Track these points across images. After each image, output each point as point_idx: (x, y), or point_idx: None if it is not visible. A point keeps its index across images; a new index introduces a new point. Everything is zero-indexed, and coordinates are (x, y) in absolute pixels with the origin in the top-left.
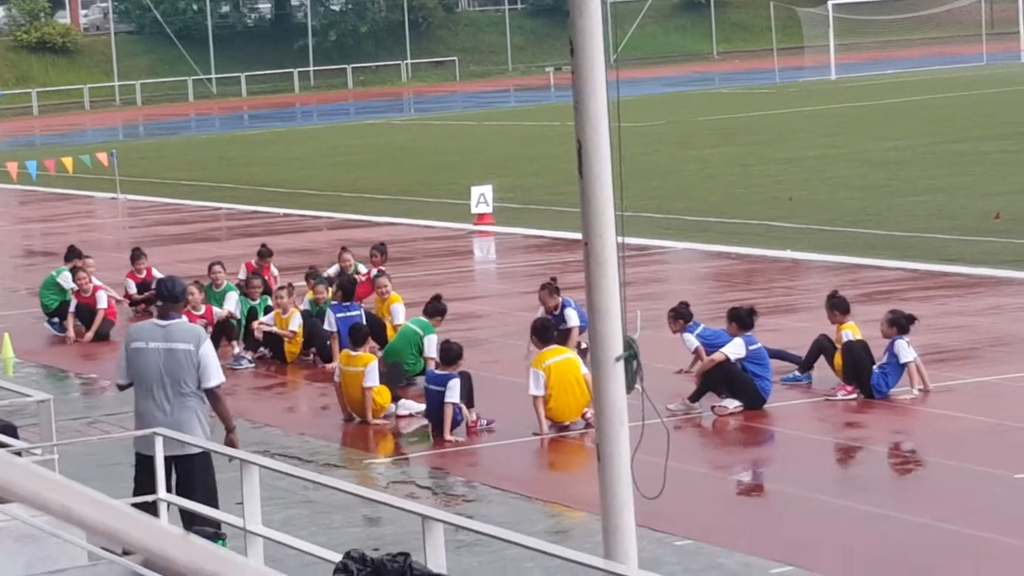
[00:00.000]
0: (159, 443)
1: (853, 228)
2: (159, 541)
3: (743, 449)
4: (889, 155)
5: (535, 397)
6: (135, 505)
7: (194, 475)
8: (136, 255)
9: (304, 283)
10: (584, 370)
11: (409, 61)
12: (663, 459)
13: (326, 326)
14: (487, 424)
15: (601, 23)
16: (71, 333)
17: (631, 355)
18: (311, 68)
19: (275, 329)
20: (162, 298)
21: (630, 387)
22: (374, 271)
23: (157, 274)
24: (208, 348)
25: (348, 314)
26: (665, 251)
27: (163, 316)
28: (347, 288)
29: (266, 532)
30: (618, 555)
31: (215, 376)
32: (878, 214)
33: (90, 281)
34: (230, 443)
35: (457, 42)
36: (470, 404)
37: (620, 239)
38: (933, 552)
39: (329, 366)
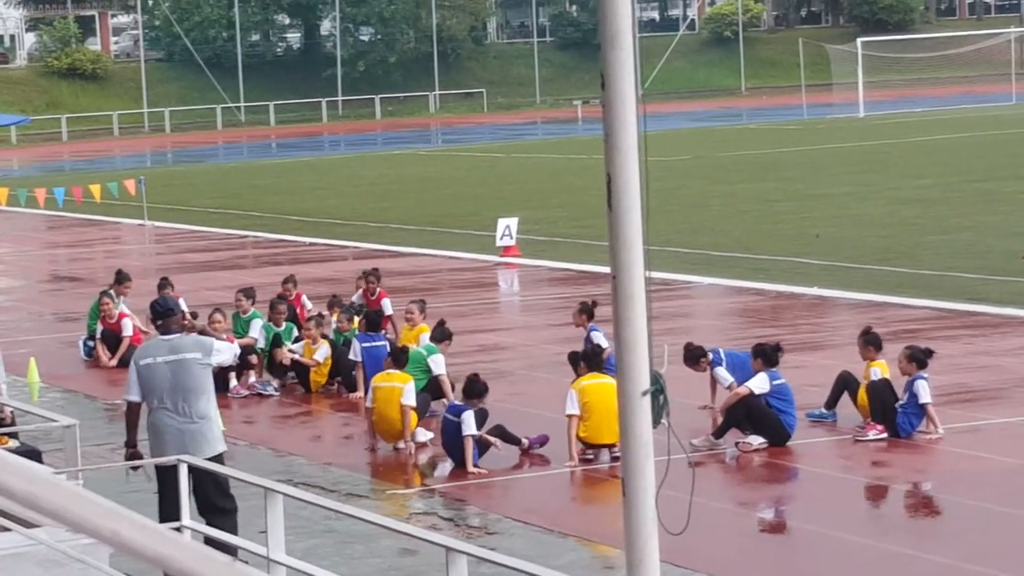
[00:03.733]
0: (183, 468)
1: (880, 266)
2: (208, 568)
3: (766, 486)
4: (917, 193)
5: (569, 416)
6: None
7: (216, 477)
8: (162, 284)
9: (329, 312)
10: None
11: (437, 92)
12: (687, 495)
13: (352, 356)
14: (536, 440)
15: (632, 56)
16: (103, 358)
17: (658, 389)
18: (339, 98)
19: (300, 358)
20: (158, 316)
21: (656, 421)
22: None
23: (184, 305)
24: (216, 348)
25: (374, 344)
26: (691, 286)
27: (165, 332)
28: (372, 319)
29: (289, 561)
30: None
31: (231, 354)
32: (905, 252)
33: (113, 308)
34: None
35: (485, 74)
36: (512, 440)
37: (646, 273)
38: None
39: (353, 396)
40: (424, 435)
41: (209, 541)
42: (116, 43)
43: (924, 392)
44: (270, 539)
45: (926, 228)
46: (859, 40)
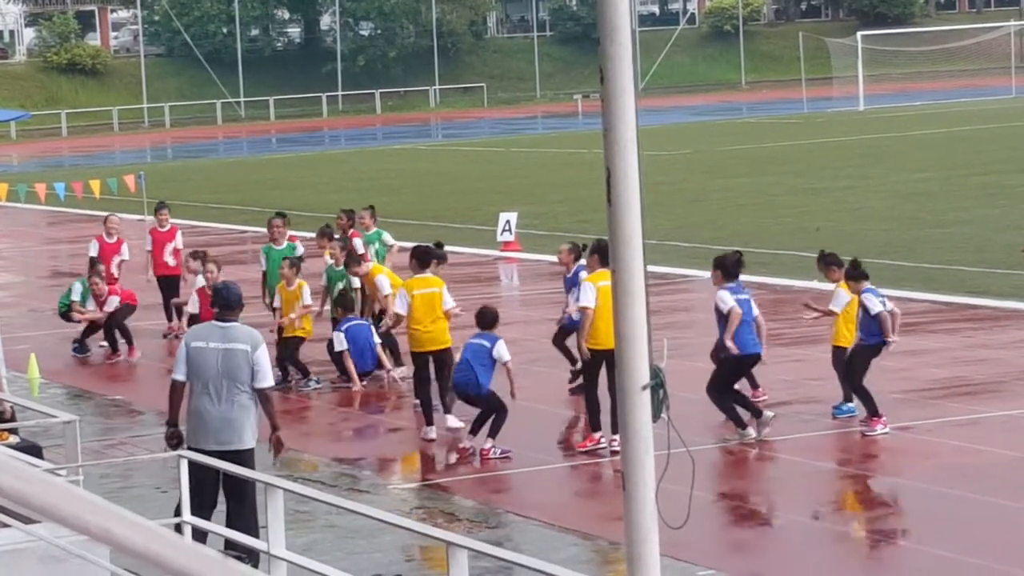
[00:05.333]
0: (184, 464)
1: (880, 259)
2: (198, 565)
3: (766, 480)
4: (916, 187)
5: (585, 308)
6: (195, 510)
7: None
8: (160, 206)
9: (320, 239)
10: None
11: (437, 87)
12: (687, 488)
13: (337, 347)
14: (501, 453)
15: (631, 51)
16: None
17: (657, 384)
18: (339, 93)
19: (285, 320)
20: (219, 305)
21: (656, 416)
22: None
23: (179, 241)
24: (264, 351)
25: (353, 323)
26: (690, 280)
27: (222, 319)
28: (346, 303)
29: (289, 556)
30: None
31: (269, 378)
32: (905, 246)
33: (103, 286)
34: (276, 441)
35: (485, 68)
36: (494, 434)
37: (646, 268)
38: None
39: (356, 388)
40: (457, 423)
41: (235, 512)
42: (116, 38)
43: (871, 302)
44: (271, 534)
45: (926, 222)
46: (859, 34)
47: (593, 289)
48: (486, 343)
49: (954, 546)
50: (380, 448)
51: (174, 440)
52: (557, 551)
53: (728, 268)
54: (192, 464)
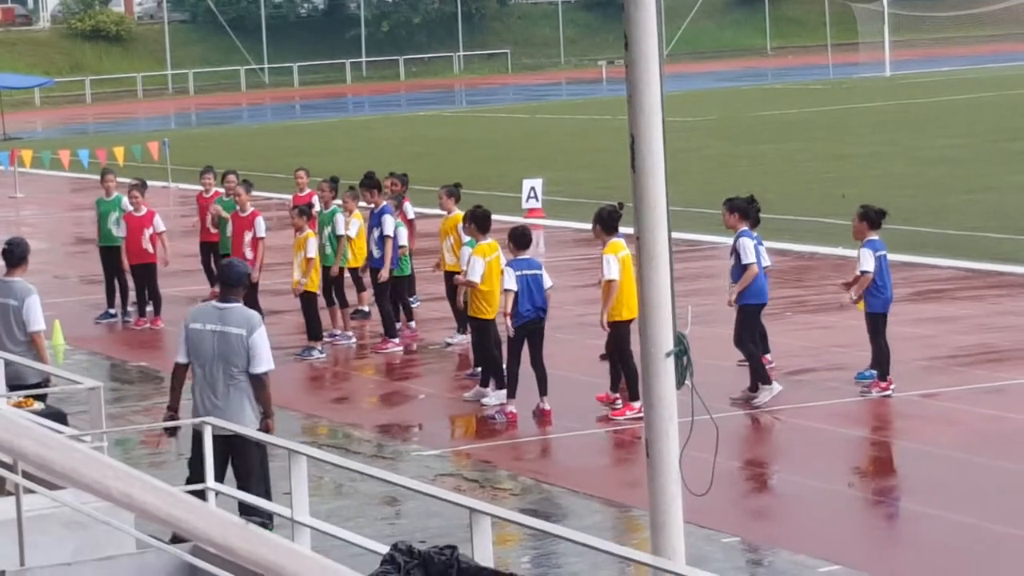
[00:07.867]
0: (207, 431)
1: (906, 226)
2: (220, 529)
3: (790, 446)
4: (943, 153)
5: (612, 281)
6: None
7: (247, 453)
8: (204, 171)
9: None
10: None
11: (461, 53)
12: (711, 455)
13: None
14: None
15: (656, 17)
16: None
17: (681, 351)
18: (363, 59)
19: (303, 279)
20: (222, 282)
21: (680, 383)
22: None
23: (221, 209)
24: (260, 335)
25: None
26: (715, 247)
27: (222, 299)
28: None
29: (313, 523)
30: (665, 551)
31: (264, 363)
32: (931, 212)
33: (141, 199)
34: (265, 428)
35: (510, 34)
36: (545, 391)
37: (670, 234)
38: (979, 552)
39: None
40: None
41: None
42: (139, 5)
43: (864, 259)
44: (294, 501)
45: (952, 188)
46: None
47: (616, 261)
48: (538, 271)
49: (978, 513)
50: (405, 414)
51: (171, 422)
52: (581, 518)
53: (743, 209)
54: (194, 440)
